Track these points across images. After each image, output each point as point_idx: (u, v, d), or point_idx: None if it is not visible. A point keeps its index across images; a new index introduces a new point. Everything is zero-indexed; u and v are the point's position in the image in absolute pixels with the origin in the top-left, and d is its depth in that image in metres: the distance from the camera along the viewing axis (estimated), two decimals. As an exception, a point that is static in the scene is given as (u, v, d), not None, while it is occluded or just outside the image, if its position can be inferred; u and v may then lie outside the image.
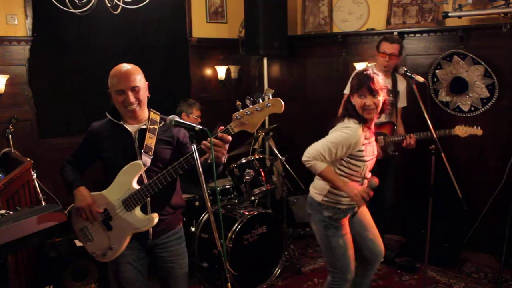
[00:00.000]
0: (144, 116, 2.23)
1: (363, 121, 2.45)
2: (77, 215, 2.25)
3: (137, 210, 2.18)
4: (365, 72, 2.45)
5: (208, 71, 4.93)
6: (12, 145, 3.58)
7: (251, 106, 1.93)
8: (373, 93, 2.39)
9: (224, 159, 2.05)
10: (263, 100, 1.91)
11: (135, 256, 2.25)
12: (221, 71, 4.91)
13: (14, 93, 3.69)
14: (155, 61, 4.40)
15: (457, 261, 3.84)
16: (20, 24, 3.69)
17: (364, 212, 2.73)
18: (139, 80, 2.17)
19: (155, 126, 2.23)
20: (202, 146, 1.97)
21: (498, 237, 3.52)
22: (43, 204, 3.02)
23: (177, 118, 1.91)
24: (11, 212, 2.18)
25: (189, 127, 1.87)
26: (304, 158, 2.46)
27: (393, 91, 3.61)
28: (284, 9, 4.60)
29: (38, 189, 3.41)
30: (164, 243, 2.28)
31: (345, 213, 2.57)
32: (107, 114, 2.27)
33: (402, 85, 3.66)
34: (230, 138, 1.97)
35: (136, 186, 2.15)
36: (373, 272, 2.83)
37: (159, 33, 4.45)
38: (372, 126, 2.56)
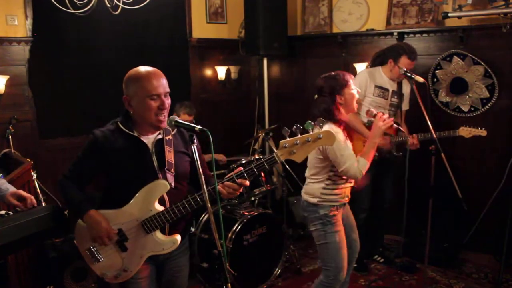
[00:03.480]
0: None
1: (339, 122, 2.59)
2: (90, 236, 2.01)
3: (158, 232, 2.00)
4: (337, 72, 2.61)
5: (208, 72, 4.93)
6: (12, 146, 3.58)
7: (300, 136, 1.83)
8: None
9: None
10: (312, 129, 1.84)
11: (149, 270, 2.11)
12: (221, 72, 4.91)
13: (14, 94, 3.68)
14: (155, 62, 4.27)
15: (457, 262, 3.84)
16: (20, 25, 3.68)
17: (350, 215, 2.84)
18: (167, 84, 2.00)
19: (170, 137, 2.04)
20: (219, 187, 1.88)
21: (498, 237, 3.52)
22: (43, 204, 3.02)
23: (177, 119, 1.89)
24: (11, 213, 2.18)
25: (189, 128, 1.83)
26: (358, 176, 2.54)
27: (398, 93, 3.60)
28: (284, 10, 4.59)
29: (38, 190, 3.40)
30: (175, 255, 2.15)
31: (338, 209, 2.67)
32: (119, 124, 2.00)
33: (407, 88, 3.63)
34: (248, 183, 1.91)
35: (158, 207, 1.97)
36: (349, 275, 2.89)
37: (159, 34, 4.45)
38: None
